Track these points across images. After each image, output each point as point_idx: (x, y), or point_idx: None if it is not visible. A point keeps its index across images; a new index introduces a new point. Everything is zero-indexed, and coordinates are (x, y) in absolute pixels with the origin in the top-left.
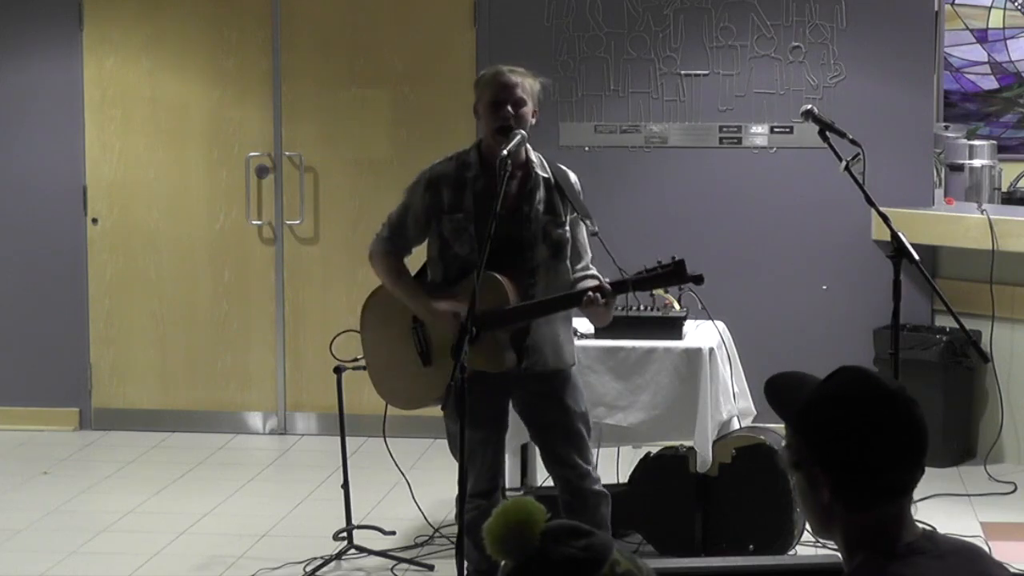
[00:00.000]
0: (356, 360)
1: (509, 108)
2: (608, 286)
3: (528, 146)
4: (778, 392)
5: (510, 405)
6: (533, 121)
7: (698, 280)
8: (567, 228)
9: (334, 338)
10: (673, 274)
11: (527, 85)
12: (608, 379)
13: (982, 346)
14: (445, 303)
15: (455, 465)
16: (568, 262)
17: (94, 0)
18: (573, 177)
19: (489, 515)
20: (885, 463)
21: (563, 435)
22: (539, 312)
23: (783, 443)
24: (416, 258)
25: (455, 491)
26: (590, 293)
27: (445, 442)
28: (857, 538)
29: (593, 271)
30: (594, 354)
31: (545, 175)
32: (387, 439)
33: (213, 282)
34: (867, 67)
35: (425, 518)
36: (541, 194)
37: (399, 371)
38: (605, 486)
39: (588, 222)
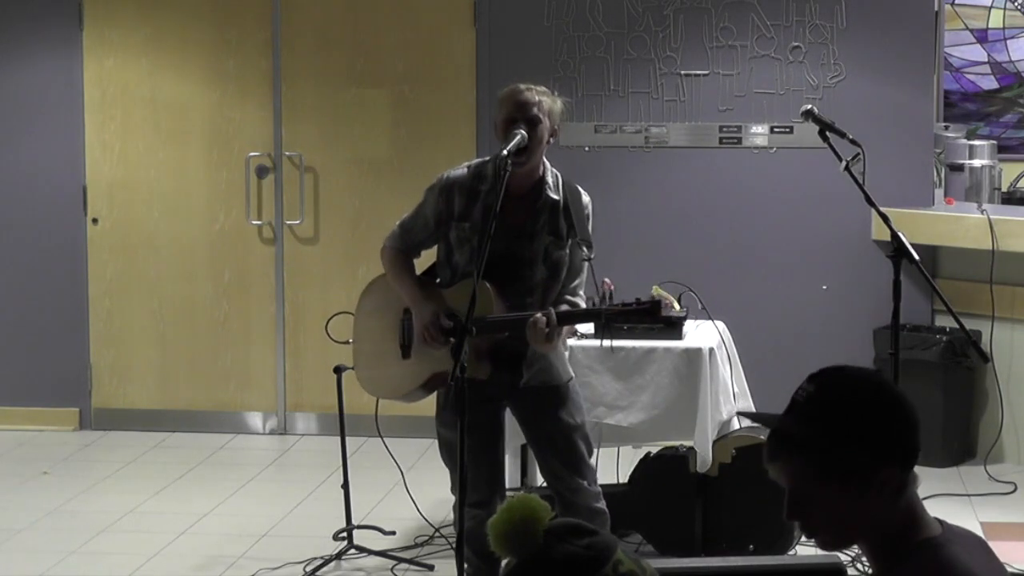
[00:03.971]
0: (349, 343)
1: (522, 125)
2: (554, 316)
3: (547, 163)
4: (778, 426)
5: (506, 415)
6: (551, 141)
7: (669, 322)
8: (567, 251)
9: (329, 319)
10: (646, 312)
11: (544, 104)
12: (608, 379)
13: (982, 346)
14: (433, 304)
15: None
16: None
17: (94, 0)
18: (586, 199)
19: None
20: (913, 431)
21: (557, 450)
22: (496, 329)
23: (791, 478)
24: (424, 259)
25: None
26: (534, 317)
27: None
28: (894, 530)
29: (578, 297)
30: (594, 354)
31: (555, 196)
32: (386, 439)
33: (213, 282)
34: (867, 67)
35: (424, 517)
36: (547, 215)
37: (380, 359)
38: (605, 486)
39: (585, 248)
